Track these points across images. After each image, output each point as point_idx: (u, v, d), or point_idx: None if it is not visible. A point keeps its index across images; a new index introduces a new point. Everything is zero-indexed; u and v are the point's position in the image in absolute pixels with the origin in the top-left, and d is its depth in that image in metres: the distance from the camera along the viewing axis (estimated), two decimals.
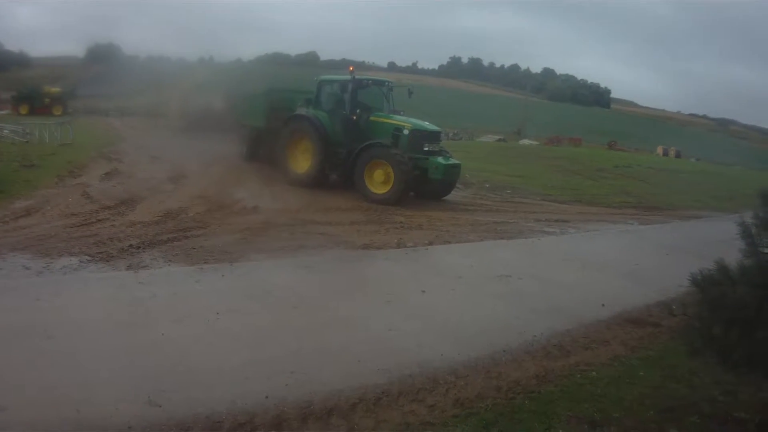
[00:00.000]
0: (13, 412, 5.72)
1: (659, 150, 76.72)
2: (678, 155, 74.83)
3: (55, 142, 29.44)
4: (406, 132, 19.93)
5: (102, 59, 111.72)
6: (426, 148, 20.03)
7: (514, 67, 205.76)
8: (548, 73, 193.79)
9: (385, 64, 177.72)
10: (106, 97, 74.51)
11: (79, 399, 6.04)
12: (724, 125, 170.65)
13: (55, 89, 63.58)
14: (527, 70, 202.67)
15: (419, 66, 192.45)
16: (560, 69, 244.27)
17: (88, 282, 9.90)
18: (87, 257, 11.17)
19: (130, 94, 73.83)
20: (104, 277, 10.17)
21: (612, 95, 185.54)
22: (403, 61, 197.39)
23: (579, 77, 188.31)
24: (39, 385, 6.24)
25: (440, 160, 20.04)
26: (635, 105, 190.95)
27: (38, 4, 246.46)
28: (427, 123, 20.98)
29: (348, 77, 21.04)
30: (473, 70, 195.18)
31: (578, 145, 72.74)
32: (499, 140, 73.52)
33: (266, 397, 6.35)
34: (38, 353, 6.92)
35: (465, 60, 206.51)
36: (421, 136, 20.13)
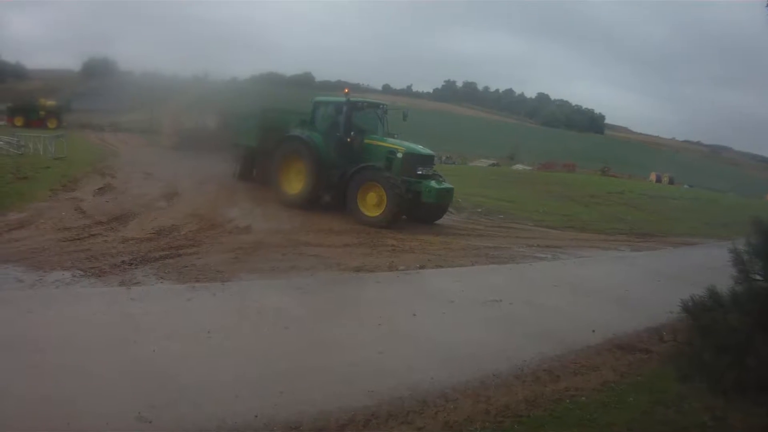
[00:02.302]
0: (3, 425, 5.70)
1: (652, 176, 77.16)
2: (671, 182, 75.20)
3: (49, 156, 29.42)
4: (399, 155, 20.00)
5: (97, 74, 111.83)
6: (419, 172, 20.08)
7: (509, 92, 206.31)
8: (543, 98, 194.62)
9: (380, 87, 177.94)
10: (100, 112, 74.58)
11: (70, 413, 6.02)
12: (717, 152, 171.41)
13: (50, 102, 63.62)
14: (522, 95, 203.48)
15: (414, 89, 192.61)
16: (555, 94, 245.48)
17: (80, 296, 9.88)
18: (79, 272, 11.17)
19: (124, 110, 73.96)
20: (96, 292, 10.16)
21: (606, 121, 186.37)
22: (397, 84, 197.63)
23: (573, 103, 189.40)
24: (29, 398, 6.21)
25: (433, 183, 20.08)
26: (629, 131, 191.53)
27: (36, 16, 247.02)
28: (420, 146, 21.06)
29: (343, 99, 21.08)
30: (468, 94, 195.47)
31: (572, 170, 72.85)
32: (493, 165, 73.73)
33: (255, 416, 6.34)
34: (29, 366, 6.90)
35: (460, 84, 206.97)
36: (414, 159, 20.20)
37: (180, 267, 12.13)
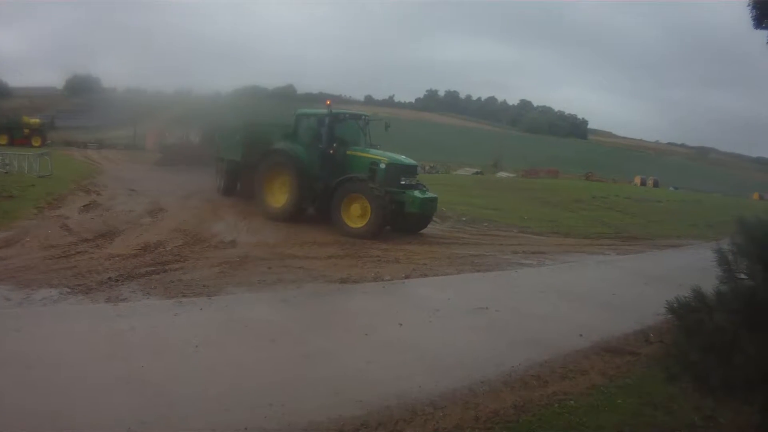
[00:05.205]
0: None
1: (637, 180, 77.54)
2: (656, 185, 75.69)
3: (34, 174, 29.29)
4: (382, 166, 20.04)
5: (81, 91, 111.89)
6: (403, 182, 20.13)
7: (491, 100, 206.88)
8: (525, 105, 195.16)
9: (362, 98, 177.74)
10: (84, 129, 74.58)
11: (60, 429, 6.01)
12: (702, 153, 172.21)
13: (34, 120, 63.41)
14: (504, 103, 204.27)
15: (396, 99, 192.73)
16: (537, 101, 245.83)
17: (67, 314, 9.84)
18: (66, 289, 11.10)
19: (108, 127, 73.96)
20: (84, 309, 10.12)
21: (589, 126, 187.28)
22: (379, 95, 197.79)
23: (556, 109, 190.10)
24: (19, 414, 6.19)
25: (417, 193, 20.13)
26: (613, 135, 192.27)
27: (18, 33, 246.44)
28: (403, 157, 21.10)
29: (325, 111, 21.18)
30: (450, 103, 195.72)
31: (555, 176, 73.16)
32: (476, 173, 73.88)
33: (245, 428, 6.33)
34: (18, 383, 6.87)
35: (442, 93, 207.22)
36: (397, 170, 20.25)
37: (166, 282, 12.11)
